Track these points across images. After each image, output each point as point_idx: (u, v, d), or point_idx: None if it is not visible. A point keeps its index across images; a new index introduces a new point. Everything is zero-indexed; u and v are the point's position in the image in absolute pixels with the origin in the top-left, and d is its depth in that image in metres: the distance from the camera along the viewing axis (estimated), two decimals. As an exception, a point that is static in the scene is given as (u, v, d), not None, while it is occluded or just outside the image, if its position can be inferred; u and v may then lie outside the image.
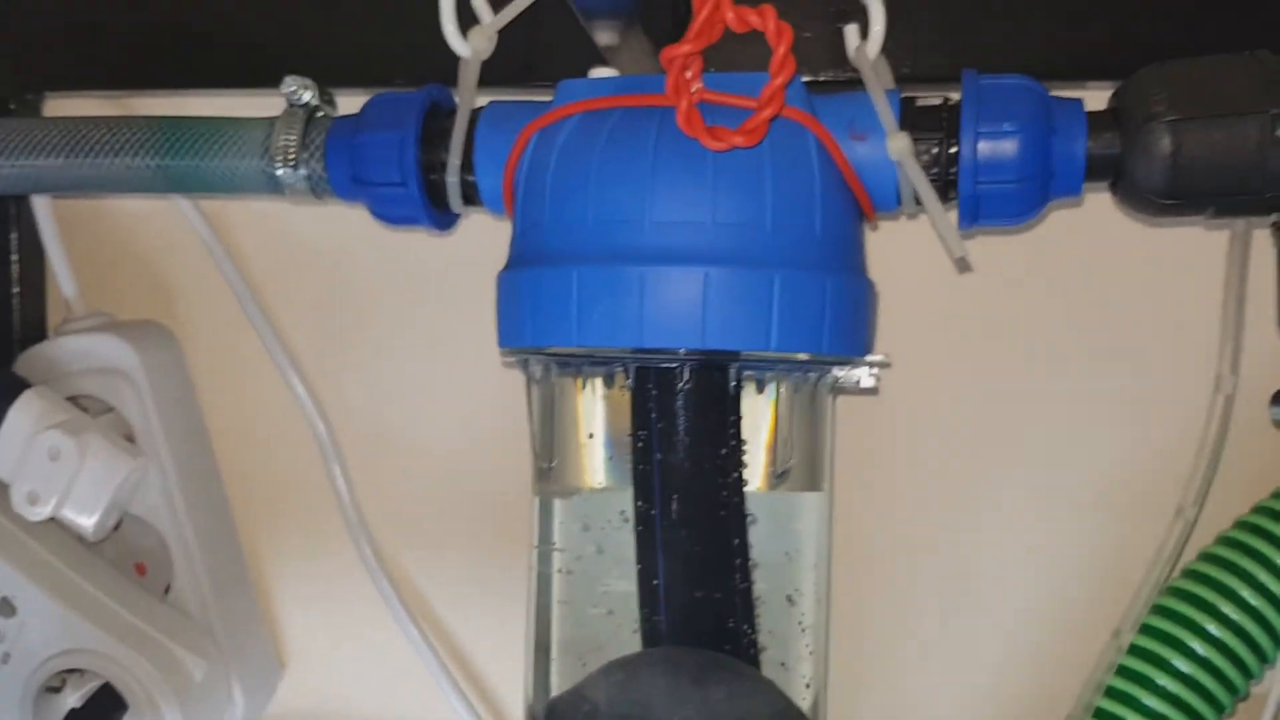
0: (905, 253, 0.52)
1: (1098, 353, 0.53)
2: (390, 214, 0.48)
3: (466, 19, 0.46)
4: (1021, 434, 0.54)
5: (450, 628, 0.60)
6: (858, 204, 0.44)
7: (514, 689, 0.50)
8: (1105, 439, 0.53)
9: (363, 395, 0.59)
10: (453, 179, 0.46)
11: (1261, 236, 0.48)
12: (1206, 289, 0.49)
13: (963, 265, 0.41)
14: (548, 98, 0.44)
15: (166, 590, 0.55)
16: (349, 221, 0.57)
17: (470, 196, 0.47)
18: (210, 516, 0.57)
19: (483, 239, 0.52)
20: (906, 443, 0.55)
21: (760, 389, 0.43)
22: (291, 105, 0.49)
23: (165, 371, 0.56)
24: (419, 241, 0.57)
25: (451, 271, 0.57)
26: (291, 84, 0.48)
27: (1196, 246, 0.50)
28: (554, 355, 0.43)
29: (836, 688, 0.54)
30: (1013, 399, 0.54)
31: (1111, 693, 0.47)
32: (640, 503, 0.43)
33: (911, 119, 0.43)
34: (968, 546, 0.55)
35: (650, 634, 0.43)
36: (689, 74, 0.39)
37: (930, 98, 0.44)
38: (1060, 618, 0.53)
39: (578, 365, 0.43)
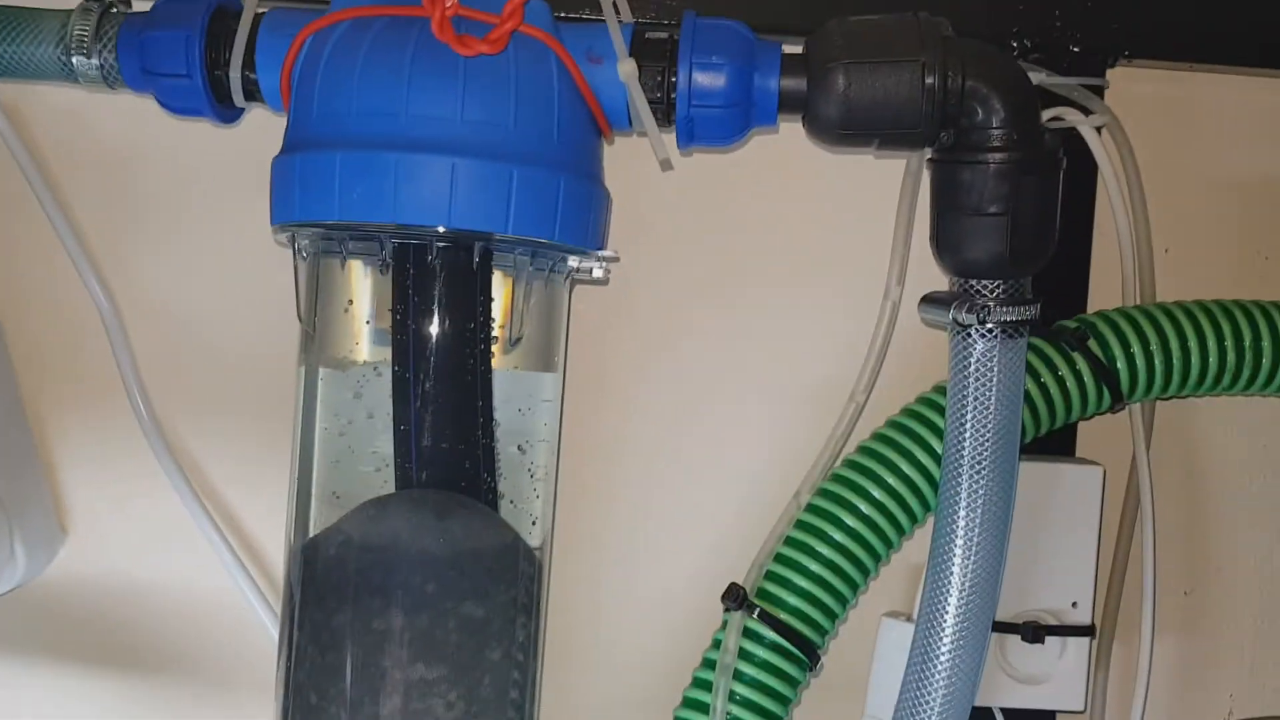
0: (650, 178, 0.61)
1: (796, 267, 0.63)
2: (176, 105, 0.53)
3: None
4: (730, 331, 0.63)
5: (226, 496, 0.65)
6: (594, 119, 0.51)
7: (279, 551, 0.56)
8: (799, 337, 0.63)
9: (148, 274, 0.63)
10: (235, 74, 0.51)
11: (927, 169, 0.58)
12: (884, 213, 0.59)
13: (665, 165, 0.49)
14: (325, 6, 0.49)
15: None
16: (142, 117, 0.61)
17: (251, 92, 0.52)
18: (-6, 383, 0.60)
19: (263, 133, 0.56)
20: (636, 339, 0.63)
21: (502, 272, 0.50)
22: (86, 1, 0.53)
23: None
24: (205, 133, 0.61)
25: (233, 161, 0.62)
26: (86, -23, 0.52)
27: (877, 177, 0.60)
28: (319, 229, 0.49)
29: (570, 544, 0.63)
30: (725, 302, 0.63)
31: (790, 542, 0.57)
32: (397, 367, 0.49)
33: (640, 48, 0.51)
34: (685, 423, 0.64)
35: (403, 479, 0.50)
36: (445, -10, 0.45)
37: (658, 31, 0.52)
38: (759, 484, 0.63)
39: (340, 240, 0.49)
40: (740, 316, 0.63)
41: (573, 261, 0.52)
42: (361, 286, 0.51)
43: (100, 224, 0.63)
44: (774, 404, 0.64)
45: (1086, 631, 0.62)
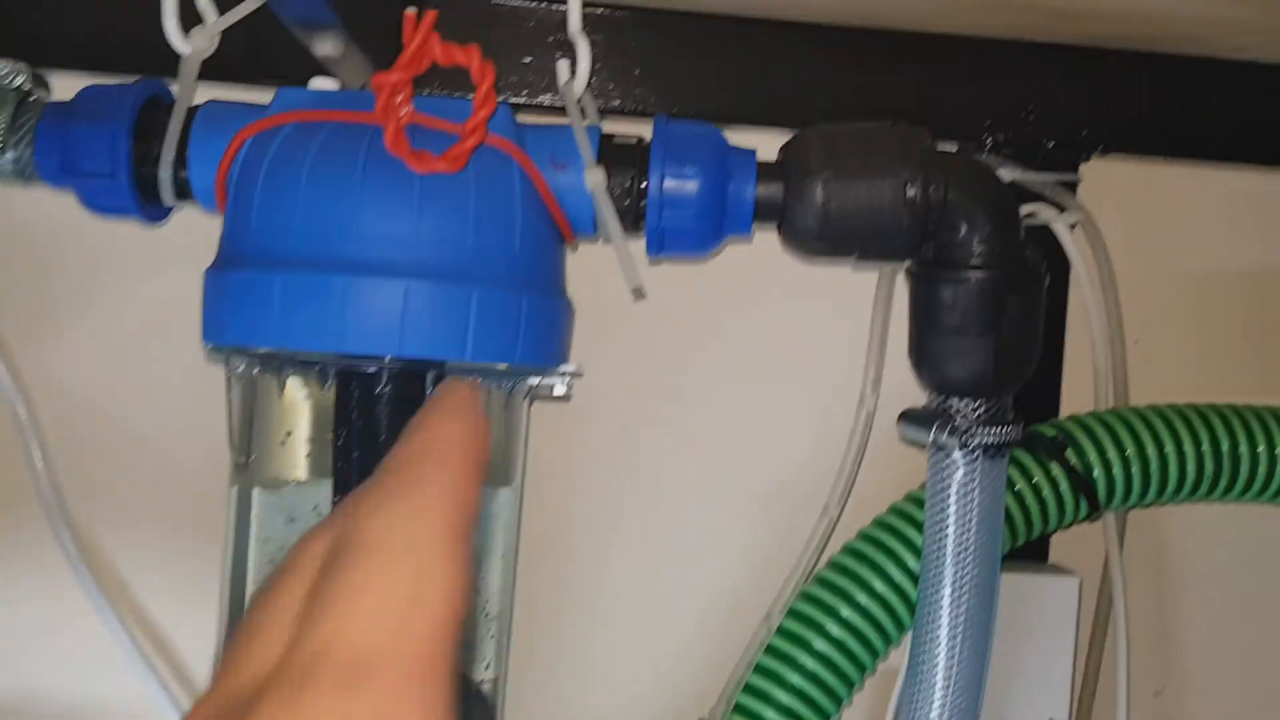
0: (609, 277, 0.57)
1: (765, 372, 0.60)
2: (99, 204, 0.49)
3: (191, 15, 0.47)
4: (698, 441, 0.60)
5: (150, 614, 0.60)
6: (558, 228, 0.48)
7: (202, 668, 0.51)
8: (769, 446, 0.60)
9: (70, 378, 0.59)
10: (165, 173, 0.47)
11: (904, 279, 0.56)
12: (857, 322, 0.57)
13: (638, 294, 0.46)
14: (269, 96, 0.46)
15: None
16: (66, 204, 0.56)
17: (183, 191, 0.48)
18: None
19: (196, 232, 0.52)
20: (600, 445, 0.60)
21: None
22: (2, 88, 0.48)
23: None
24: (133, 229, 0.57)
25: (165, 261, 0.58)
26: (2, 67, 0.48)
27: (851, 286, 0.58)
28: (257, 354, 0.45)
29: (522, 667, 0.59)
30: (693, 411, 0.60)
31: (760, 669, 0.54)
32: (337, 498, 0.45)
33: (608, 154, 0.47)
34: (648, 540, 0.61)
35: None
36: (398, 99, 0.42)
37: (627, 137, 0.48)
38: (728, 602, 0.60)
39: (279, 365, 0.45)
40: (709, 421, 0.60)
41: (534, 380, 0.48)
42: (300, 409, 0.47)
43: (12, 313, 0.58)
44: (745, 511, 0.61)
45: (1062, 748, 0.60)
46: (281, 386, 0.46)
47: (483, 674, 0.48)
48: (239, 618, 0.48)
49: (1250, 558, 0.68)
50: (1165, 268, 0.67)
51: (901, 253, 0.49)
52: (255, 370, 0.46)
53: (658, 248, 0.49)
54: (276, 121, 0.44)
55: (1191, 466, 0.58)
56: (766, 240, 0.51)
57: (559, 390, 0.49)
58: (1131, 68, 0.62)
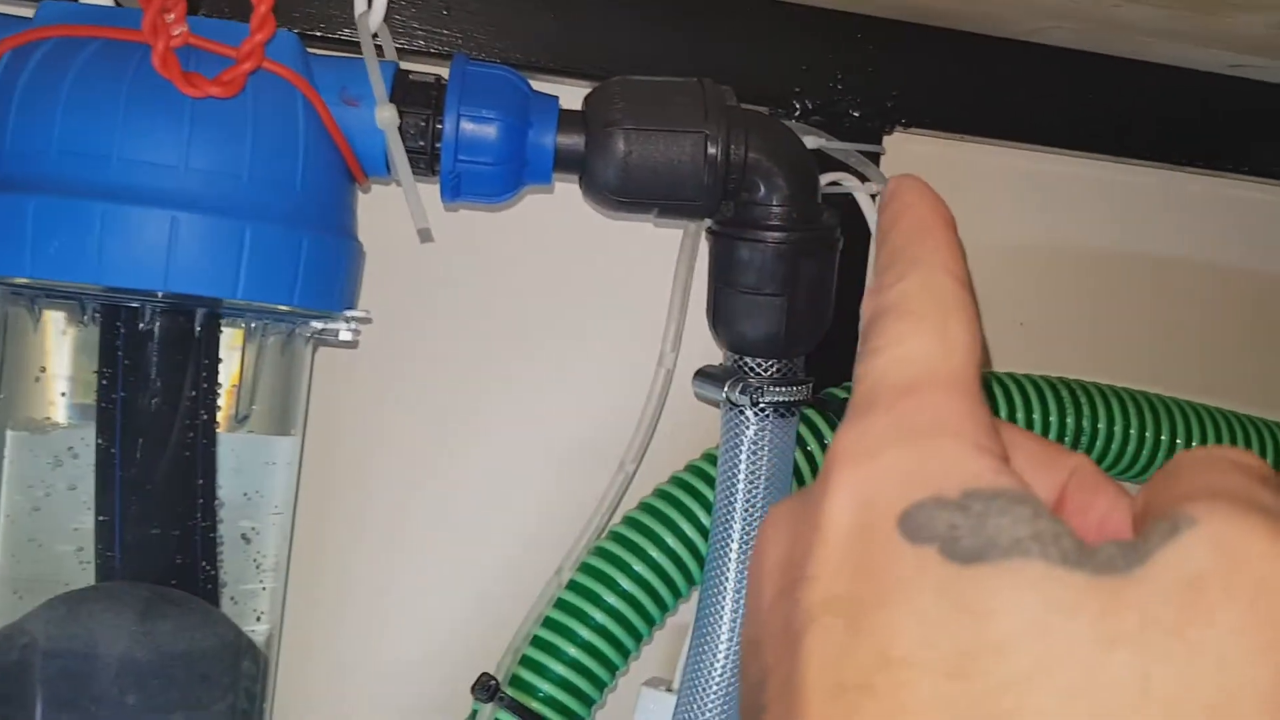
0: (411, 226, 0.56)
1: (569, 327, 0.59)
2: None
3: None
4: (499, 395, 0.59)
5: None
6: (346, 166, 0.46)
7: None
8: (571, 402, 0.60)
9: None
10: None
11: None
12: (661, 279, 0.56)
13: (424, 236, 0.44)
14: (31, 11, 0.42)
15: None
16: None
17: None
18: None
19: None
20: (399, 397, 0.58)
21: (233, 334, 0.44)
22: None
23: None
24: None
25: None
26: None
27: (656, 243, 0.58)
28: (10, 284, 0.41)
29: (310, 621, 0.57)
30: (495, 366, 0.59)
31: (549, 623, 0.54)
32: (101, 440, 0.43)
33: (403, 92, 0.46)
34: (444, 494, 0.59)
35: (104, 570, 0.43)
36: (170, 16, 0.39)
37: (425, 75, 0.47)
38: (526, 558, 0.59)
39: (35, 296, 0.42)
40: (511, 376, 0.59)
41: (316, 324, 0.46)
42: (59, 345, 0.44)
43: None
44: (541, 468, 0.60)
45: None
46: (37, 320, 0.42)
47: (254, 626, 0.46)
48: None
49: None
50: (963, 241, 0.69)
51: (701, 210, 0.49)
52: (7, 301, 0.42)
53: (453, 193, 0.47)
54: (36, 36, 0.41)
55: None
56: (571, 192, 0.50)
57: (344, 335, 0.47)
58: (936, 44, 0.63)
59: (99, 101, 0.39)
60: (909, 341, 0.22)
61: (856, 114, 0.62)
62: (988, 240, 0.69)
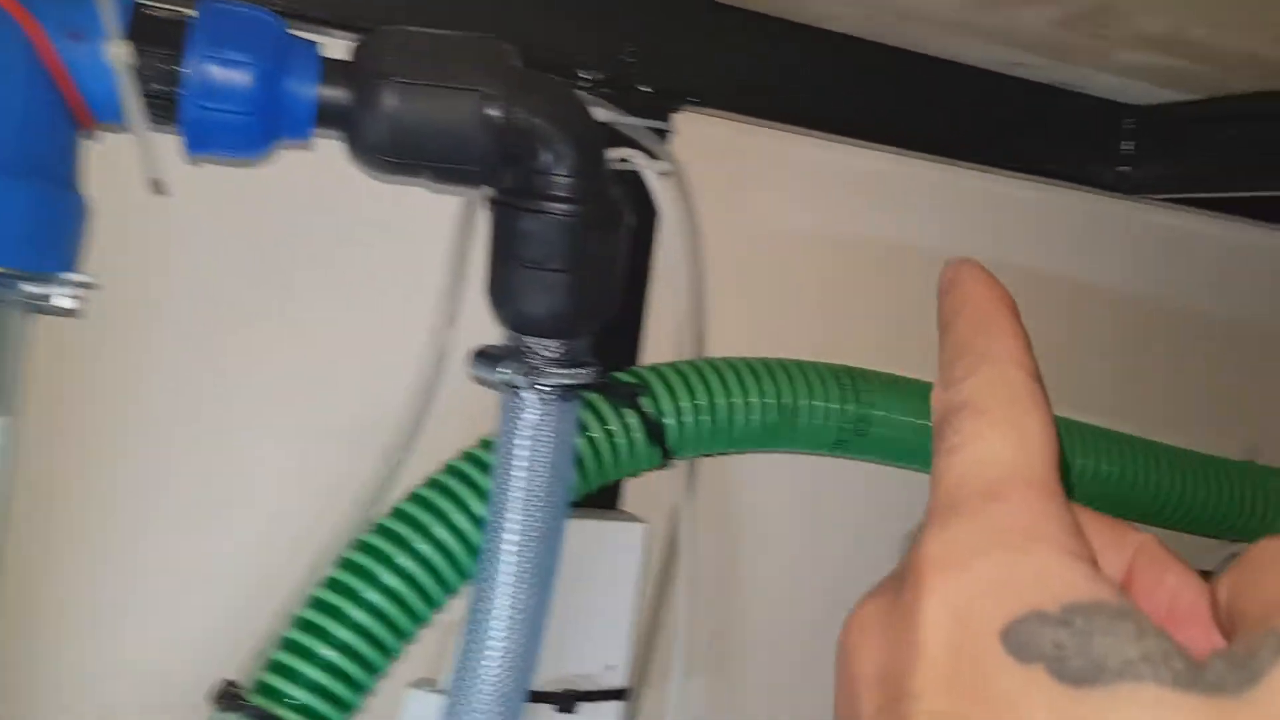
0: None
1: (328, 300, 0.55)
2: None
3: None
4: (248, 373, 0.54)
5: None
6: (71, 110, 0.40)
7: None
8: (330, 382, 0.55)
9: None
10: None
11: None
12: (437, 251, 0.53)
13: (158, 188, 0.39)
14: None
15: None
16: None
17: None
18: None
19: None
20: (129, 371, 0.52)
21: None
22: None
23: None
24: None
25: None
26: None
27: (432, 211, 0.54)
28: None
29: (48, 617, 0.51)
30: (242, 339, 0.54)
31: (302, 624, 0.49)
32: None
33: (140, 28, 0.40)
34: (187, 483, 0.54)
35: None
36: None
37: (167, 10, 0.41)
38: (278, 552, 0.54)
39: None
40: (259, 352, 0.54)
41: (31, 287, 0.40)
42: None
43: None
44: (299, 455, 0.55)
45: (620, 695, 0.60)
46: None
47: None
48: None
49: (809, 509, 0.71)
50: (748, 226, 0.68)
51: (479, 177, 0.45)
52: None
53: (197, 143, 0.42)
54: None
55: (757, 418, 0.59)
56: (337, 150, 0.46)
57: (63, 302, 0.41)
58: (730, 23, 0.62)
59: None
60: (987, 441, 0.22)
61: (646, 89, 0.60)
62: (774, 228, 0.69)
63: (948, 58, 0.67)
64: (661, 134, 0.61)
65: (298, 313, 0.54)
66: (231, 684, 0.47)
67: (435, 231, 0.54)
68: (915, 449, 0.63)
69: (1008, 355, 0.23)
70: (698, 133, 0.64)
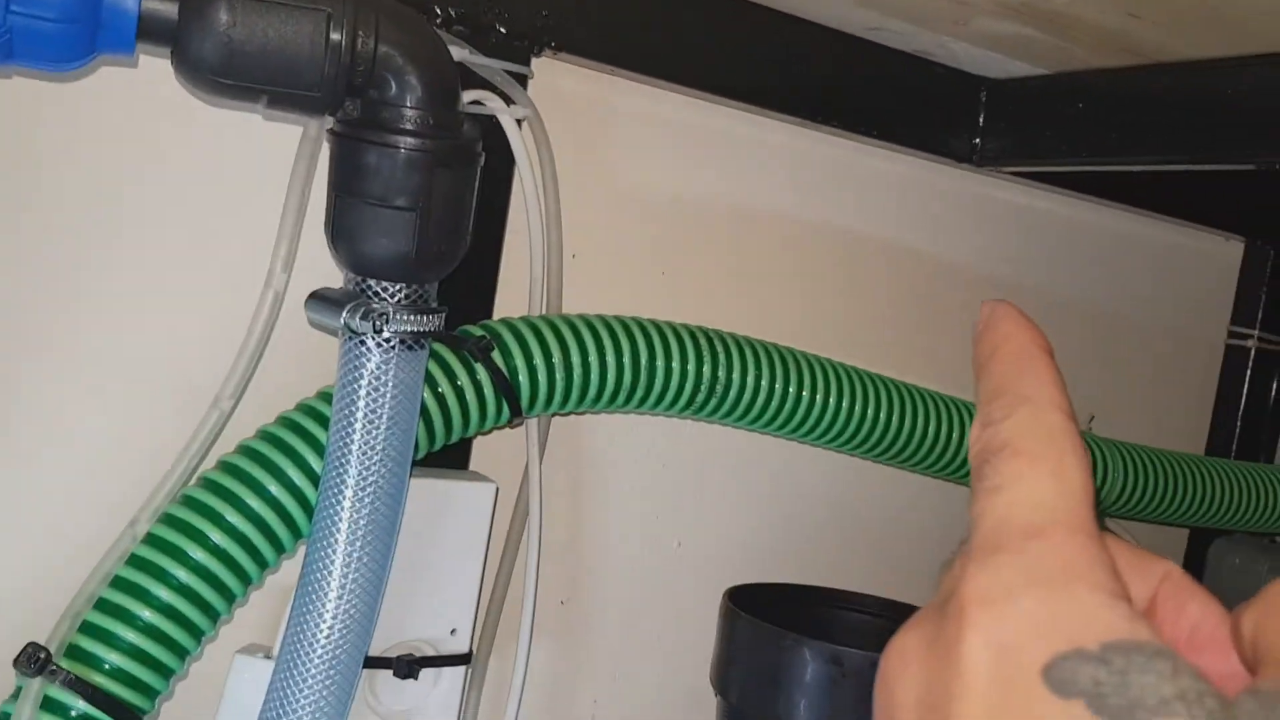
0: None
1: (154, 235, 0.51)
2: None
3: None
4: (65, 313, 0.50)
5: None
6: None
7: None
8: (152, 324, 0.51)
9: None
10: None
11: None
12: (275, 186, 0.49)
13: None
14: None
15: None
16: None
17: None
18: None
19: None
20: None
21: None
22: None
23: None
24: None
25: None
26: None
27: (269, 141, 0.50)
28: None
29: None
30: (57, 277, 0.49)
31: (120, 583, 0.45)
32: None
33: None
34: (14, 433, 0.49)
35: None
36: None
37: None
38: (91, 507, 0.50)
39: None
40: (77, 291, 0.50)
41: None
42: None
43: None
44: (118, 402, 0.51)
45: (463, 660, 0.58)
46: None
47: None
48: None
49: (659, 470, 0.70)
50: (608, 181, 0.67)
51: (321, 104, 0.42)
52: None
53: (7, 53, 0.38)
54: None
55: (612, 376, 0.58)
56: (162, 68, 0.42)
57: None
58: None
59: None
60: (1027, 482, 0.22)
61: (504, 30, 0.57)
62: (630, 186, 0.67)
63: (808, 18, 0.66)
64: (520, 79, 0.58)
65: (119, 251, 0.50)
66: (39, 647, 0.43)
67: (274, 164, 0.50)
68: (764, 411, 0.63)
69: (1045, 397, 0.24)
70: (558, 86, 0.62)
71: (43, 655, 0.43)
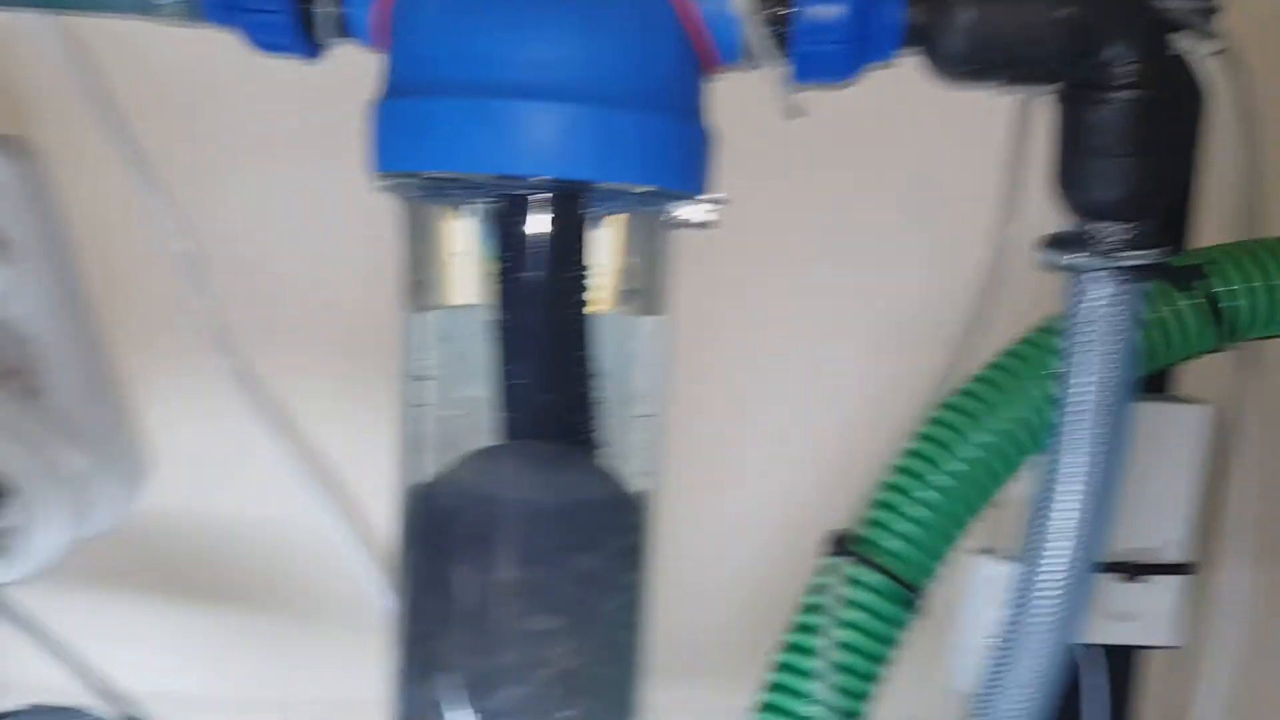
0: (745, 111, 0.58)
1: (902, 205, 0.61)
2: (263, 40, 0.51)
3: None
4: (834, 276, 0.62)
5: (314, 437, 0.64)
6: (703, 56, 0.49)
7: (368, 489, 0.55)
8: (898, 276, 0.61)
9: (229, 211, 0.62)
10: (322, 9, 0.49)
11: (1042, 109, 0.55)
12: (990, 152, 0.57)
13: (795, 112, 0.47)
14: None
15: (39, 393, 0.58)
16: (214, 44, 0.59)
17: (341, 28, 0.50)
18: (80, 323, 0.59)
19: (351, 67, 0.54)
20: (741, 271, 0.62)
21: (613, 219, 0.49)
22: (167, -72, 0.50)
23: (35, 183, 0.57)
24: (288, 67, 0.59)
25: (320, 98, 0.60)
26: (166, -94, 0.50)
27: (982, 115, 0.58)
28: (425, 179, 0.47)
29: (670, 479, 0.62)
30: (829, 247, 0.61)
31: (890, 486, 0.56)
32: (501, 316, 0.48)
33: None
34: (789, 367, 0.63)
35: (507, 430, 0.49)
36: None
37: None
38: (856, 427, 0.62)
39: (446, 188, 0.47)
40: (839, 254, 0.62)
41: (679, 207, 0.50)
42: (464, 233, 0.49)
43: (179, 158, 0.61)
44: (873, 342, 0.63)
45: (1184, 569, 0.62)
46: (447, 209, 0.48)
47: (637, 480, 0.51)
48: (414, 429, 0.52)
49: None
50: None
51: (1049, 76, 0.49)
52: (424, 195, 0.48)
53: (803, 74, 0.49)
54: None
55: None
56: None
57: (703, 218, 0.50)
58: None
59: (500, 10, 0.44)
60: None
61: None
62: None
63: None
64: (1209, 13, 0.60)
65: (861, 227, 0.61)
66: (841, 532, 0.56)
67: (978, 130, 0.57)
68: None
69: None
70: (1245, 6, 0.62)
71: (842, 539, 0.56)
